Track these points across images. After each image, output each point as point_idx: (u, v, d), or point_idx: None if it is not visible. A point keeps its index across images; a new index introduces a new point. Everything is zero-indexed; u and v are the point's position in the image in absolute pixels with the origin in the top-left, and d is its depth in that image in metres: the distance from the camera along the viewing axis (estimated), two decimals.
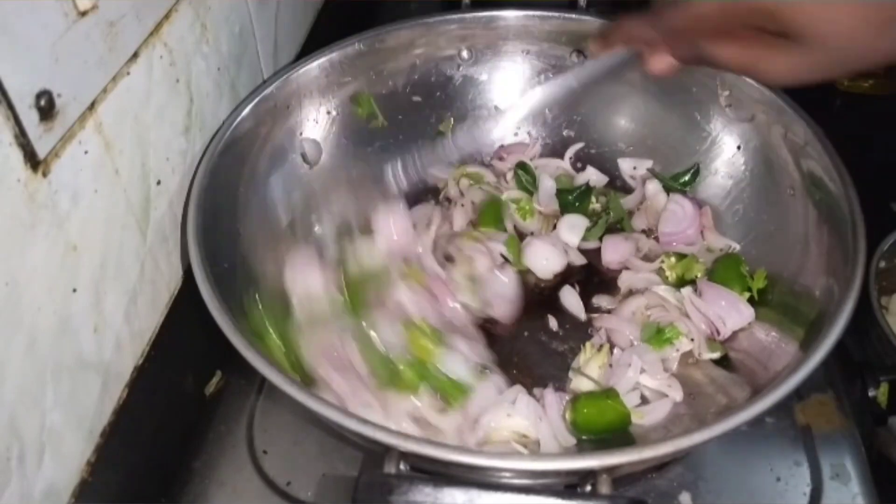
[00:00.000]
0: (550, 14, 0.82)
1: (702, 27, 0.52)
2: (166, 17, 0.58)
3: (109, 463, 0.54)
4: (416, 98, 0.85)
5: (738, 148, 0.77)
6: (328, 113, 0.79)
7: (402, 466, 0.47)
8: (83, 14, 0.47)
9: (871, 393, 0.69)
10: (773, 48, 0.49)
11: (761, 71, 0.50)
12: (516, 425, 0.61)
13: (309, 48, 0.81)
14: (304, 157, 0.77)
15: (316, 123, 0.79)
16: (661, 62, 0.57)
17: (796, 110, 0.70)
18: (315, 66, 0.76)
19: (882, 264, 0.77)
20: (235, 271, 0.64)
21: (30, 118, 0.43)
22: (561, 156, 0.86)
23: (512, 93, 0.86)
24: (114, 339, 0.54)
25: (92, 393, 0.52)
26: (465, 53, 0.85)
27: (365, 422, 0.48)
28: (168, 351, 0.62)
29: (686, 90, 0.79)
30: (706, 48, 0.52)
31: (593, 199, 0.81)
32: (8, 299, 0.42)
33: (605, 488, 0.46)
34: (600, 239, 0.78)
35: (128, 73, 0.53)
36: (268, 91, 0.72)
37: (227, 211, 0.67)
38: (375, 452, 0.50)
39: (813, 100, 0.71)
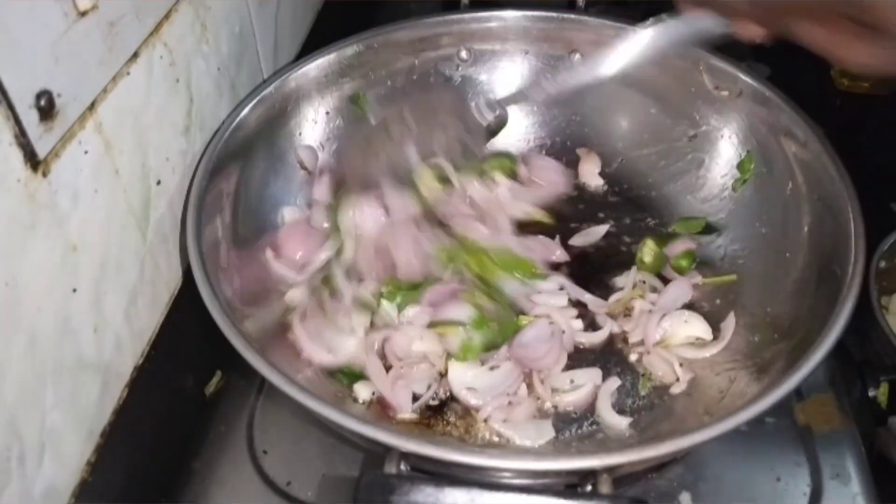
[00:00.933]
0: (549, 14, 0.82)
1: (794, 7, 0.54)
2: (166, 17, 0.58)
3: (109, 463, 0.54)
4: (416, 98, 0.84)
5: (738, 148, 0.77)
6: (326, 114, 0.79)
7: (402, 467, 0.47)
8: (83, 14, 0.47)
9: (871, 393, 0.69)
10: (857, 37, 0.51)
11: (842, 56, 0.53)
12: None
13: (309, 48, 0.81)
14: (301, 164, 0.77)
15: (315, 124, 0.79)
16: (750, 31, 0.59)
17: (796, 110, 0.70)
18: (313, 67, 0.76)
19: (882, 264, 0.77)
20: (234, 272, 0.64)
21: (30, 118, 0.43)
22: (559, 157, 0.86)
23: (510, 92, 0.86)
24: (114, 339, 0.54)
25: (92, 393, 0.52)
26: (463, 54, 0.84)
27: (365, 422, 0.48)
28: (168, 351, 0.62)
29: (684, 90, 0.79)
30: (793, 27, 0.55)
31: None
32: (8, 299, 0.42)
33: (605, 488, 0.46)
34: None
35: (128, 73, 0.53)
36: (266, 92, 0.72)
37: (226, 212, 0.67)
38: (376, 452, 0.50)
39: (813, 100, 0.71)
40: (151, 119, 0.57)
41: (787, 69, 1.00)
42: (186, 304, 0.63)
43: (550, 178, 0.83)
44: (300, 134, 0.77)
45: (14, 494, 0.44)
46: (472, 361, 0.65)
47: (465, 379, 0.64)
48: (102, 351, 0.53)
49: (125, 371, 0.57)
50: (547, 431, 0.61)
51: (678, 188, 0.81)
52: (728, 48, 0.78)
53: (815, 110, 0.69)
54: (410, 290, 0.68)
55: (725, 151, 0.78)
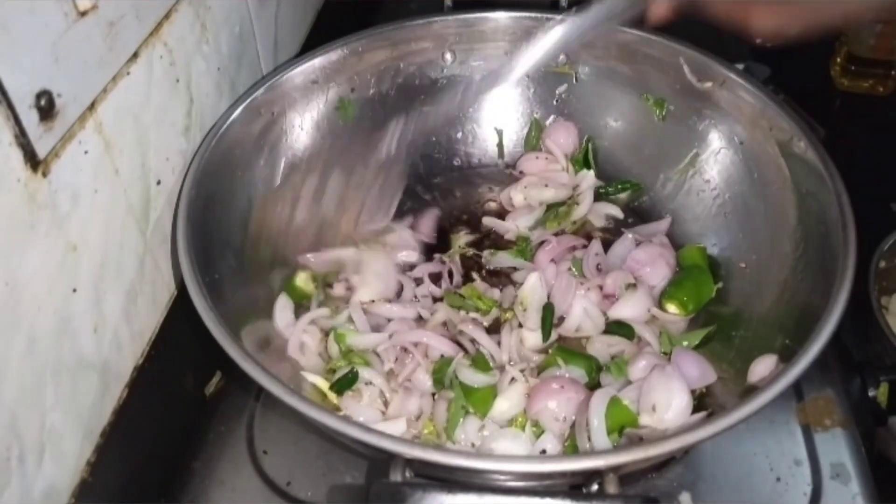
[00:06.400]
0: (533, 15, 0.81)
1: None
2: (166, 17, 0.58)
3: (109, 463, 0.54)
4: (401, 101, 0.84)
5: (724, 144, 0.77)
6: (312, 119, 0.78)
7: (407, 473, 0.47)
8: (83, 14, 0.47)
9: (871, 393, 0.69)
10: (761, 4, 0.54)
11: (751, 24, 0.55)
12: None
13: (309, 48, 0.81)
14: None
15: (301, 130, 0.78)
16: (660, 8, 0.60)
17: (781, 105, 0.69)
18: (299, 72, 0.75)
19: (882, 264, 0.77)
20: (228, 281, 0.64)
21: (30, 118, 0.43)
22: None
23: (497, 93, 0.85)
24: (114, 339, 0.54)
25: (92, 393, 0.52)
26: (448, 56, 0.84)
27: (368, 430, 0.48)
28: (168, 351, 0.62)
29: (668, 85, 0.79)
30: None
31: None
32: (8, 299, 0.42)
33: (612, 487, 0.46)
34: None
35: (128, 73, 0.53)
36: (252, 98, 0.71)
37: (216, 221, 0.66)
38: (379, 459, 0.50)
39: (813, 100, 0.71)
40: (151, 119, 0.57)
41: (787, 69, 1.00)
42: (186, 304, 0.63)
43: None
44: (286, 140, 0.76)
45: (14, 494, 0.44)
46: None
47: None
48: (102, 351, 0.53)
49: (125, 371, 0.57)
50: None
51: (666, 184, 0.81)
52: (728, 49, 0.78)
53: (815, 110, 0.69)
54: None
55: (711, 147, 0.77)
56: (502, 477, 0.49)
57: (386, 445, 0.47)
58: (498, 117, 0.88)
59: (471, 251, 0.79)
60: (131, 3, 0.52)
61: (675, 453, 0.59)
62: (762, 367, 0.59)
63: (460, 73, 0.85)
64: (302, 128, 0.78)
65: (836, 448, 0.63)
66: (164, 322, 0.62)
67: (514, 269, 0.76)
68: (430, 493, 0.44)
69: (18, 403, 0.44)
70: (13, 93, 0.41)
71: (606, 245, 0.78)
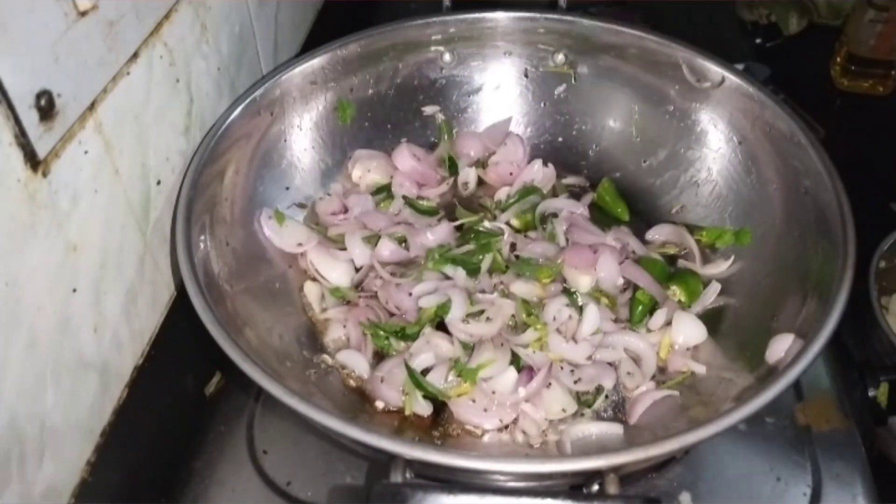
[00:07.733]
0: (532, 15, 0.82)
1: None
2: (166, 17, 0.58)
3: (109, 463, 0.54)
4: (399, 102, 0.84)
5: (723, 143, 0.77)
6: (312, 119, 0.78)
7: (407, 474, 0.47)
8: (83, 14, 0.47)
9: (871, 393, 0.69)
10: None
11: None
12: None
13: (309, 48, 0.81)
14: None
15: (300, 130, 0.78)
16: None
17: (778, 104, 0.69)
18: (299, 72, 0.75)
19: (882, 264, 0.77)
20: (228, 281, 0.64)
21: (30, 118, 0.43)
22: (547, 157, 0.85)
23: (495, 93, 0.86)
24: (114, 339, 0.54)
25: (92, 393, 0.52)
26: (447, 56, 0.84)
27: (369, 430, 0.48)
28: (168, 351, 0.62)
29: (667, 86, 0.79)
30: None
31: None
32: (8, 299, 0.42)
33: (613, 487, 0.46)
34: None
35: (128, 73, 0.53)
36: (252, 98, 0.71)
37: (216, 221, 0.66)
38: (379, 459, 0.50)
39: (813, 100, 0.71)
40: (151, 119, 0.57)
41: (787, 69, 1.00)
42: (186, 304, 0.63)
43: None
44: (285, 140, 0.76)
45: (14, 494, 0.44)
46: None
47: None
48: (102, 351, 0.53)
49: (125, 371, 0.57)
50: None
51: (663, 184, 0.81)
52: (728, 49, 0.78)
53: (815, 110, 0.69)
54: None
55: (710, 146, 0.77)
56: (503, 477, 0.49)
57: (386, 446, 0.47)
58: (495, 118, 0.87)
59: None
60: (131, 3, 0.52)
61: (675, 453, 0.59)
62: (780, 346, 0.58)
63: (459, 74, 0.85)
64: (301, 128, 0.78)
65: (836, 448, 0.63)
66: (164, 322, 0.62)
67: None
68: (431, 494, 0.44)
69: (18, 403, 0.44)
70: (13, 93, 0.41)
71: None
